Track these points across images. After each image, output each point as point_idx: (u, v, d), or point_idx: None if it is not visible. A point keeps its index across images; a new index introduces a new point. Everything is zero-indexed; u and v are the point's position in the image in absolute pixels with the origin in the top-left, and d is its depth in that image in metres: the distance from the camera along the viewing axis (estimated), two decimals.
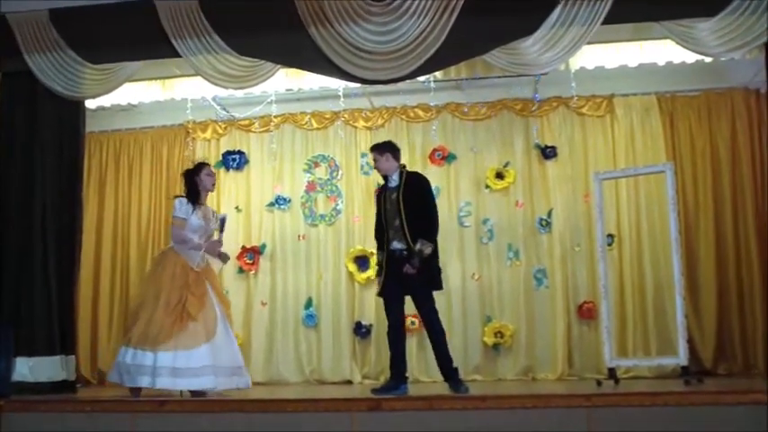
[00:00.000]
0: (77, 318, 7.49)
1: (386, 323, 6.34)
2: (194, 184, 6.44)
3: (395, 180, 6.29)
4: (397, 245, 6.17)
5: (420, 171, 7.80)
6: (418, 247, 6.04)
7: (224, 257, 6.64)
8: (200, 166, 6.57)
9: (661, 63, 7.39)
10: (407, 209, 6.12)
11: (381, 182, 6.63)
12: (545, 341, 8.01)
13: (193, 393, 6.08)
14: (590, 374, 7.69)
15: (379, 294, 6.32)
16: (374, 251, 7.54)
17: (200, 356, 6.06)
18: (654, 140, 8.08)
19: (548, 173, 8.30)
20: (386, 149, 6.35)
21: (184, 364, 6.03)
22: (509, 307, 8.16)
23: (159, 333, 6.07)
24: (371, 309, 8.16)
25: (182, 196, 6.45)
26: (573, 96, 8.09)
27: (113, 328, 8.66)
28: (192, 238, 6.35)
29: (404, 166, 6.39)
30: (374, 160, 6.40)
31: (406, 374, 6.22)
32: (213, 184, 6.59)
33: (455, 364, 6.13)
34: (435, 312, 6.16)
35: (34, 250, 6.92)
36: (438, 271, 6.30)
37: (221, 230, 6.52)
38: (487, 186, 8.34)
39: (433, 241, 6.15)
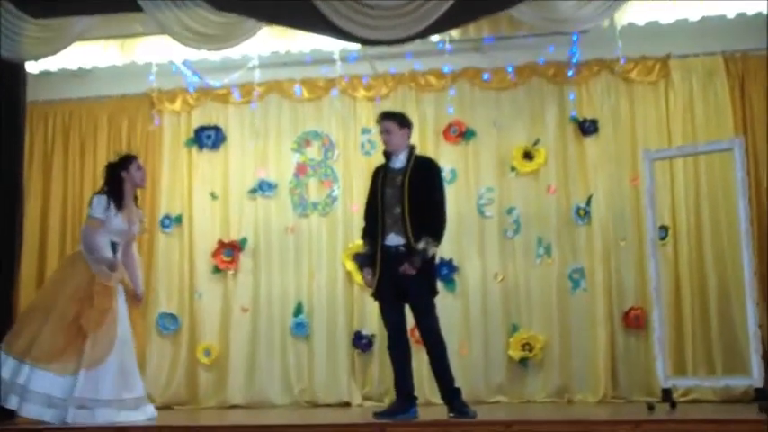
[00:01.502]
0: None
1: None
2: (119, 180, 6.53)
3: (401, 161, 6.28)
4: (394, 239, 6.13)
5: (433, 150, 8.26)
6: (422, 245, 6.00)
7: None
8: (129, 158, 6.68)
9: (730, 15, 7.26)
10: (413, 197, 6.10)
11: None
12: (583, 355, 7.92)
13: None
14: (639, 396, 7.64)
15: (374, 296, 6.32)
16: None
17: (74, 384, 6.10)
18: (719, 111, 7.94)
19: (587, 152, 8.19)
20: (405, 123, 6.34)
21: (60, 393, 6.08)
22: (539, 314, 8.10)
23: (48, 350, 6.14)
24: (374, 316, 8.02)
25: (101, 193, 6.51)
26: (619, 58, 7.95)
27: None
28: (101, 248, 6.38)
29: (414, 147, 6.41)
30: (385, 131, 6.30)
31: (415, 394, 6.20)
32: (143, 180, 6.71)
33: (457, 384, 6.16)
34: (437, 322, 6.14)
35: None
36: (436, 274, 6.49)
37: None
38: (513, 169, 8.28)
39: (440, 241, 6.17)
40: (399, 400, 6.08)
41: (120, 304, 6.40)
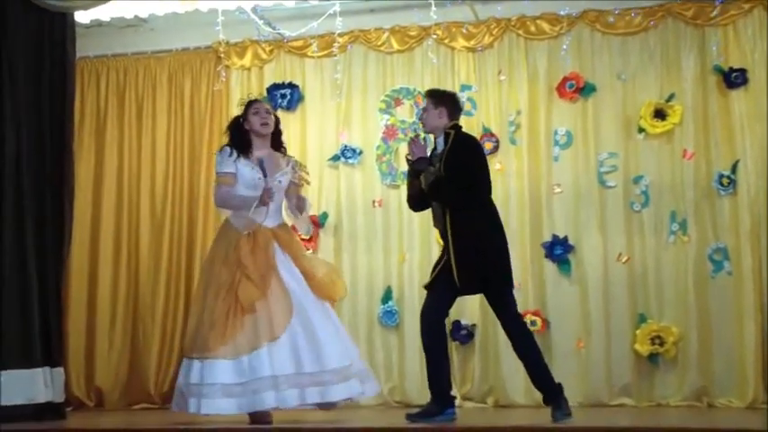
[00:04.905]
0: (67, 317, 7.60)
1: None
2: (242, 131, 6.54)
3: (440, 143, 6.39)
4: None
5: (545, 108, 8.59)
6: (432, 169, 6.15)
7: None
8: (248, 104, 6.63)
9: None
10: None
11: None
12: (727, 352, 7.71)
13: (253, 418, 6.15)
14: None
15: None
16: None
17: (260, 364, 6.06)
18: None
19: (733, 108, 7.90)
20: (443, 101, 6.40)
21: (238, 378, 6.05)
22: (672, 302, 7.91)
23: (210, 333, 6.12)
24: (474, 303, 7.96)
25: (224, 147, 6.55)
26: None
27: (116, 330, 8.63)
28: (235, 196, 6.38)
29: (457, 127, 6.47)
30: (423, 109, 6.50)
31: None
32: (263, 124, 6.52)
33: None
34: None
35: (4, 221, 6.78)
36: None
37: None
38: (642, 130, 8.07)
39: (442, 188, 6.13)
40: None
41: (282, 266, 6.31)
